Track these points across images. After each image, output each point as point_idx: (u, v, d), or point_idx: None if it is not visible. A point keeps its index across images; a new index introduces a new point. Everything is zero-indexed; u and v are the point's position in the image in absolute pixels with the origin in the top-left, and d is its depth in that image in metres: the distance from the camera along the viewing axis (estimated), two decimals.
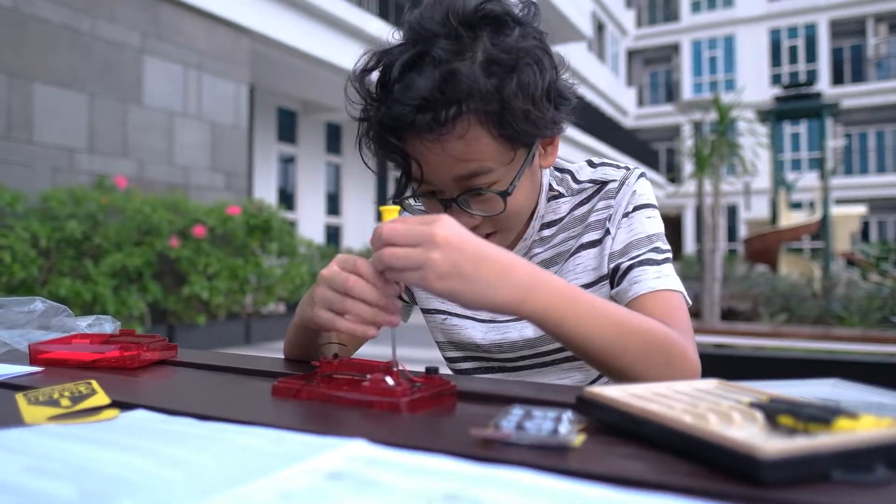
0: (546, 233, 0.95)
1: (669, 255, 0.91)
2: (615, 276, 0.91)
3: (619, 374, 0.74)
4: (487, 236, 0.88)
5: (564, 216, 0.95)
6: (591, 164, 0.97)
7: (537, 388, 0.73)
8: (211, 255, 5.76)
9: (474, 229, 0.86)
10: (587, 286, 0.93)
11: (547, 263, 0.95)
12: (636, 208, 0.92)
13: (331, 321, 0.69)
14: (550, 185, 0.95)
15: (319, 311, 0.69)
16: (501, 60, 0.75)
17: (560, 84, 0.82)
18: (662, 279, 0.87)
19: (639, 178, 0.94)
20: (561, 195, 0.95)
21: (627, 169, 0.95)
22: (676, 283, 0.87)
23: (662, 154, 25.29)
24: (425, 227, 0.63)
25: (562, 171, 0.97)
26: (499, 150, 0.79)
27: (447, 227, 0.63)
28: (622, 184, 0.93)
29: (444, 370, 0.71)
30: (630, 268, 0.89)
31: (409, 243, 0.63)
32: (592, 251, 0.93)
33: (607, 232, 0.92)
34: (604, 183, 0.94)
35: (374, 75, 0.82)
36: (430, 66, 0.75)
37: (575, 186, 0.95)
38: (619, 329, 0.72)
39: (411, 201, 0.93)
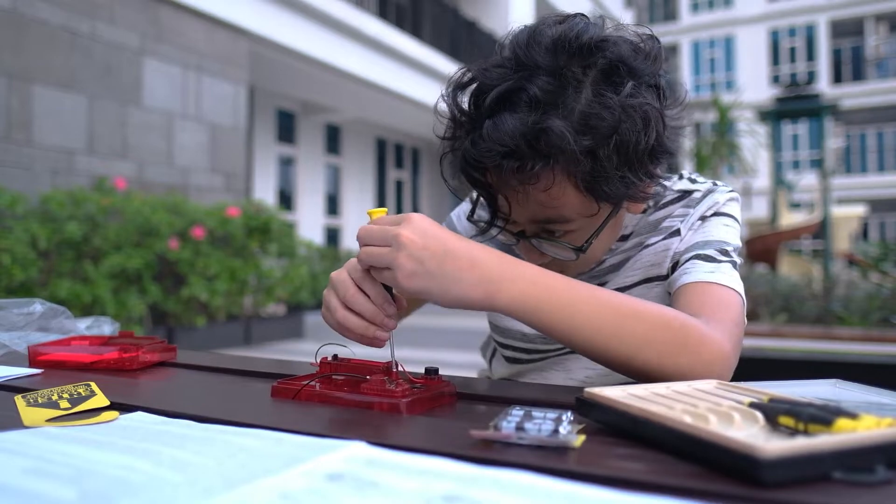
0: (620, 242, 0.91)
1: (736, 261, 0.83)
2: (673, 271, 0.85)
3: (626, 367, 0.68)
4: None
5: (641, 226, 0.91)
6: (679, 176, 0.93)
7: (537, 389, 0.73)
8: (210, 256, 5.75)
9: (543, 265, 0.85)
10: (635, 285, 0.90)
11: (615, 268, 0.91)
12: (715, 214, 0.87)
13: (331, 325, 0.71)
14: None
15: (324, 312, 0.72)
16: (601, 118, 0.70)
17: (665, 138, 0.75)
18: (716, 274, 0.79)
19: (727, 193, 0.89)
20: (648, 208, 0.90)
21: (715, 184, 0.91)
22: (732, 282, 0.79)
23: None
24: (393, 228, 0.64)
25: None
26: (583, 203, 0.75)
27: (413, 226, 0.64)
28: (706, 194, 0.88)
29: (444, 371, 0.71)
30: (686, 260, 0.83)
31: (380, 243, 0.65)
32: (652, 248, 0.89)
33: (677, 232, 0.88)
34: (687, 192, 0.90)
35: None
36: (526, 107, 0.70)
37: (659, 199, 0.91)
38: (614, 314, 0.67)
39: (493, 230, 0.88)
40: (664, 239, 0.88)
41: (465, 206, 1.02)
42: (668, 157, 0.77)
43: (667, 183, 0.92)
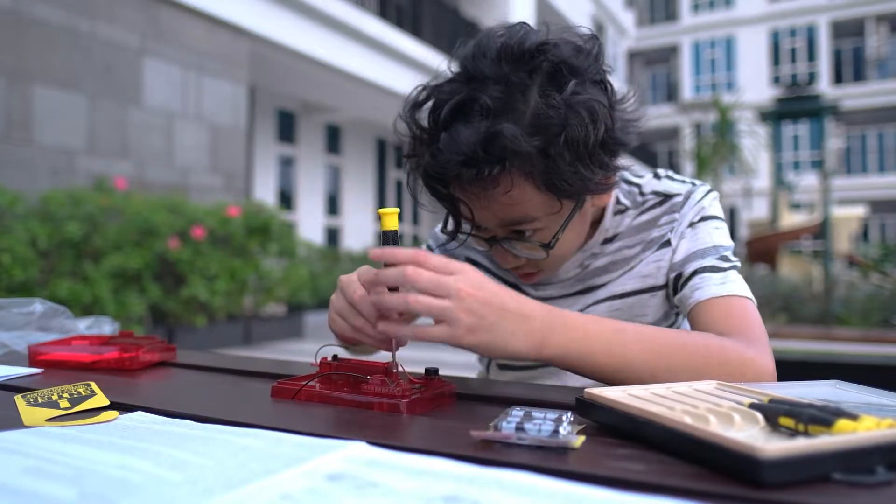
0: (605, 245, 0.92)
1: (737, 264, 0.85)
2: (677, 284, 0.87)
3: None
4: (531, 274, 0.88)
5: (625, 230, 0.92)
6: (655, 175, 0.94)
7: (537, 390, 0.73)
8: (210, 256, 5.75)
9: (518, 268, 0.87)
10: (631, 294, 0.91)
11: (601, 271, 0.92)
12: (703, 219, 0.88)
13: (339, 329, 0.72)
14: (618, 198, 0.92)
15: (332, 315, 0.72)
16: (549, 117, 0.73)
17: (617, 131, 0.78)
18: (727, 285, 0.81)
19: (707, 193, 0.90)
20: (627, 209, 0.92)
21: (693, 184, 0.92)
22: (743, 290, 0.82)
23: (663, 155, 25.29)
24: (450, 279, 0.62)
25: (630, 183, 0.94)
26: (545, 201, 0.78)
27: (470, 278, 0.63)
28: (687, 197, 0.90)
29: (444, 371, 0.71)
30: (693, 274, 0.84)
31: (435, 293, 0.62)
32: (646, 261, 0.90)
33: (668, 243, 0.89)
34: (668, 196, 0.91)
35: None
36: (478, 117, 0.73)
37: (639, 199, 0.92)
38: (661, 349, 0.69)
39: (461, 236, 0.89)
40: (657, 250, 0.90)
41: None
42: (622, 148, 0.80)
43: (641, 181, 0.93)
